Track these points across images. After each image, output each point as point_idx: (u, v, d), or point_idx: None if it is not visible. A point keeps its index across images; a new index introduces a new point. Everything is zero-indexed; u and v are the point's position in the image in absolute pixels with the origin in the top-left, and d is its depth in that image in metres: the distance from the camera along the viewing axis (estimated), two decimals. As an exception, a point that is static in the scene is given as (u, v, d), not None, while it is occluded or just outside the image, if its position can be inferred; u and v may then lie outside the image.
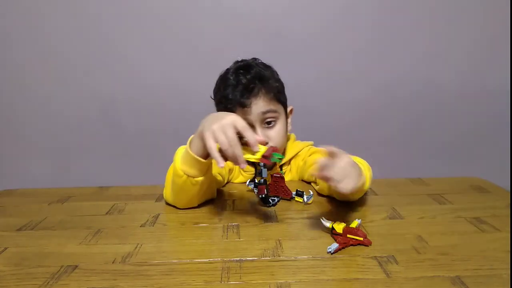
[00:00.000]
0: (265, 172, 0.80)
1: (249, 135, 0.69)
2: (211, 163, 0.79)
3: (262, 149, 0.70)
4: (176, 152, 0.80)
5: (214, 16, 1.45)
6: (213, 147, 0.69)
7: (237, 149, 0.68)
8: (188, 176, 0.76)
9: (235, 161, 0.69)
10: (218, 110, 0.97)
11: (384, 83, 1.52)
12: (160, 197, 0.90)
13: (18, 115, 1.53)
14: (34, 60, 1.48)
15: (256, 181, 0.82)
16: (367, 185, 0.78)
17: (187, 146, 0.76)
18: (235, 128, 0.69)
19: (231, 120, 0.69)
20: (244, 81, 0.92)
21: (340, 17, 1.46)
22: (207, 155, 0.75)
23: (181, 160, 0.76)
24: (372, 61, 1.50)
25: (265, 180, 0.81)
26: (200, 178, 0.77)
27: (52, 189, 1.00)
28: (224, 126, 0.68)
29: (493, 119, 1.57)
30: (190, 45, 1.47)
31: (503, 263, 0.57)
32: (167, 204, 0.86)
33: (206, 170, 0.78)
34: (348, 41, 1.48)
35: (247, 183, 0.85)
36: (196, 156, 0.74)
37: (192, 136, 0.77)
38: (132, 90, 1.51)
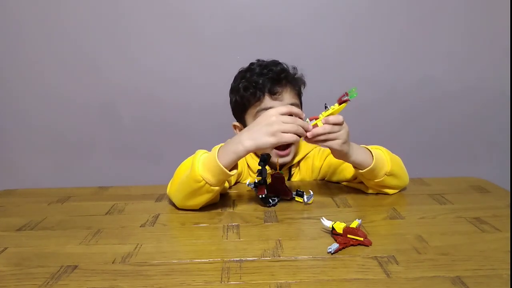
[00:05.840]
0: (265, 172, 0.80)
1: (298, 111, 0.75)
2: None
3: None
4: (195, 155, 0.79)
5: (216, 14, 1.45)
6: (282, 139, 0.72)
7: (300, 121, 0.74)
8: (207, 183, 0.75)
9: (304, 131, 0.74)
10: (242, 98, 0.97)
11: (384, 83, 1.52)
12: (160, 197, 0.90)
13: (18, 115, 1.53)
14: (34, 61, 1.48)
15: (256, 181, 0.82)
16: (389, 165, 0.83)
17: (215, 155, 0.75)
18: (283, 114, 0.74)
19: (274, 110, 0.75)
20: (275, 69, 0.95)
21: (340, 17, 1.46)
22: (233, 168, 0.77)
23: (203, 167, 0.76)
24: (371, 61, 1.50)
25: (265, 180, 0.81)
26: (217, 188, 0.77)
27: (52, 189, 1.00)
28: (276, 120, 0.73)
29: (493, 119, 1.57)
30: (191, 45, 1.47)
31: (503, 263, 0.57)
32: (167, 203, 0.86)
33: (225, 180, 0.78)
34: (346, 41, 1.48)
35: (247, 183, 0.85)
36: (224, 168, 0.74)
37: (220, 145, 0.77)
38: (132, 90, 1.51)
